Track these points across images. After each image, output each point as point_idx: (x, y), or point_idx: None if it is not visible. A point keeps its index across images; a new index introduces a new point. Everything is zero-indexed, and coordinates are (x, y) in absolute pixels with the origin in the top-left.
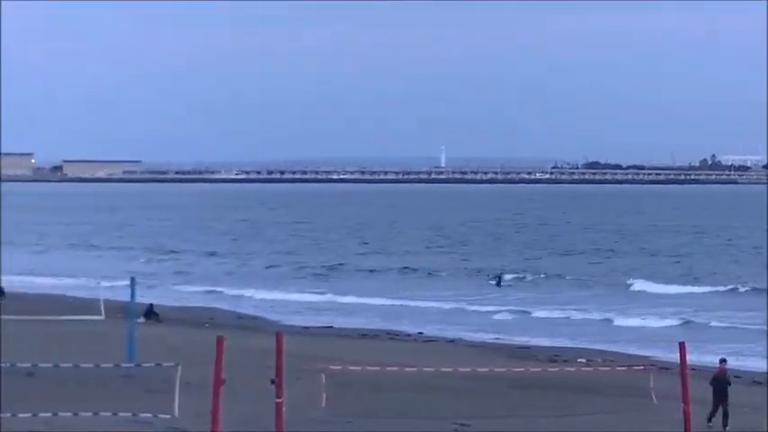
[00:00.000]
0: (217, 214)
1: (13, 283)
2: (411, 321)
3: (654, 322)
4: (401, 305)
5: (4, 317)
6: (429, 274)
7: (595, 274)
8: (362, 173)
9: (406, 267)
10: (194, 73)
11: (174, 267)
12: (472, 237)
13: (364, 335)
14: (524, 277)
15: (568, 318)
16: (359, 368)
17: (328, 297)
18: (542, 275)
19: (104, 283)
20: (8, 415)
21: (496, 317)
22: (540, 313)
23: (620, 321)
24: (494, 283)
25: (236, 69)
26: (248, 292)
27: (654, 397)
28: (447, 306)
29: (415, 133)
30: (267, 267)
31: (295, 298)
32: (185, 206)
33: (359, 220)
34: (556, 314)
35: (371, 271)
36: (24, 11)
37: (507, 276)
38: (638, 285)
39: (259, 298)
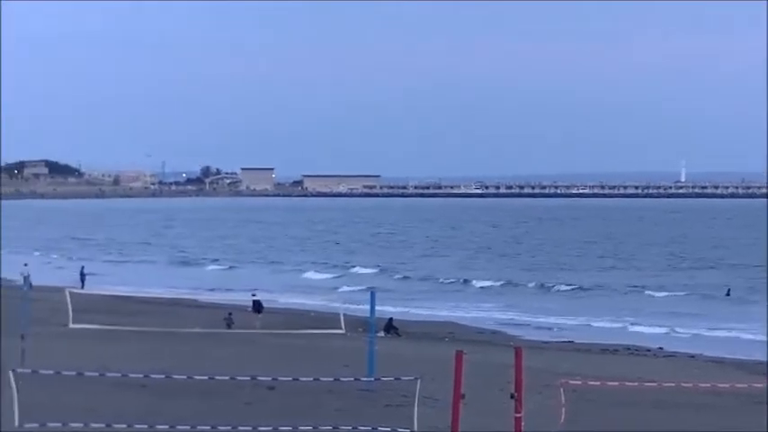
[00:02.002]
0: (457, 228)
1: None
2: (649, 338)
3: None
4: (633, 321)
5: (253, 331)
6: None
7: None
8: (602, 187)
9: (636, 286)
10: (432, 91)
11: (413, 283)
12: (714, 254)
13: (604, 350)
14: None
15: None
16: (598, 383)
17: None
18: None
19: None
20: (248, 428)
21: (733, 334)
22: None
23: None
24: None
25: (466, 87)
26: (485, 307)
27: None
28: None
29: (655, 148)
30: (503, 284)
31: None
32: (429, 220)
33: (598, 235)
34: None
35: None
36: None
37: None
38: None
39: (497, 315)
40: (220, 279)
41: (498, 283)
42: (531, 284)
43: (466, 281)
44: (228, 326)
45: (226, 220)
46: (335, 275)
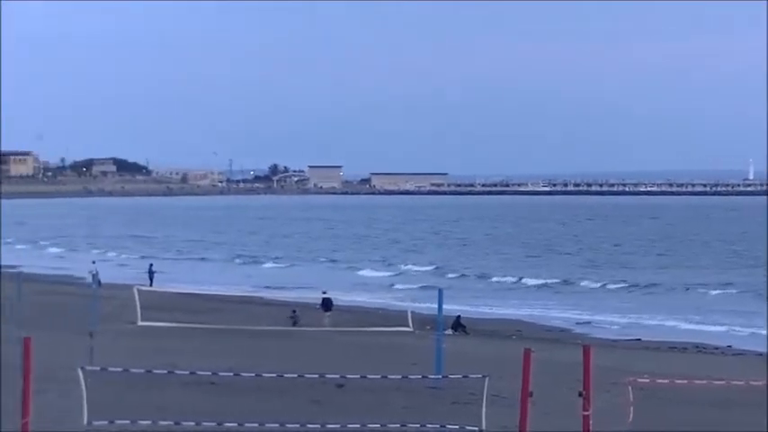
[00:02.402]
0: (520, 226)
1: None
2: (711, 336)
3: None
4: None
5: (321, 329)
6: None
7: None
8: (670, 185)
9: (693, 284)
10: (499, 88)
11: (468, 281)
12: None
13: (672, 348)
14: None
15: None
16: (666, 381)
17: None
18: None
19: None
20: (317, 426)
21: None
22: None
23: None
24: None
25: (534, 84)
26: (550, 305)
27: None
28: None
29: (724, 146)
30: (560, 282)
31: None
32: (494, 218)
33: (660, 233)
34: None
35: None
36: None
37: None
38: None
39: (562, 314)
40: (279, 277)
41: (553, 281)
42: (583, 282)
43: (520, 279)
44: (294, 323)
45: (291, 218)
46: (391, 273)
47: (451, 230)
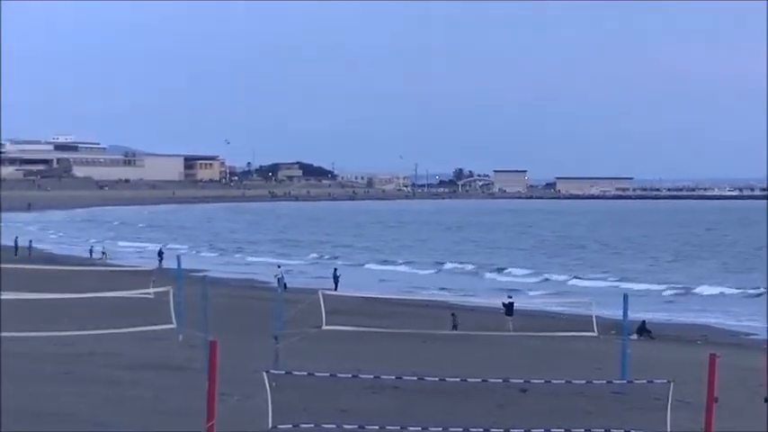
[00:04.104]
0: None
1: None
2: None
3: None
4: None
5: (504, 333)
6: None
7: None
8: None
9: None
10: (685, 89)
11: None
12: None
13: None
14: None
15: None
16: None
17: None
18: None
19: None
20: (501, 430)
21: None
22: None
23: None
24: None
25: (718, 85)
26: (734, 312)
27: None
28: None
29: None
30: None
31: None
32: (680, 224)
33: None
34: None
35: None
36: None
37: None
38: None
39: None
40: (463, 281)
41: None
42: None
43: (721, 292)
44: (454, 327)
45: (476, 223)
46: (565, 278)
47: (631, 236)
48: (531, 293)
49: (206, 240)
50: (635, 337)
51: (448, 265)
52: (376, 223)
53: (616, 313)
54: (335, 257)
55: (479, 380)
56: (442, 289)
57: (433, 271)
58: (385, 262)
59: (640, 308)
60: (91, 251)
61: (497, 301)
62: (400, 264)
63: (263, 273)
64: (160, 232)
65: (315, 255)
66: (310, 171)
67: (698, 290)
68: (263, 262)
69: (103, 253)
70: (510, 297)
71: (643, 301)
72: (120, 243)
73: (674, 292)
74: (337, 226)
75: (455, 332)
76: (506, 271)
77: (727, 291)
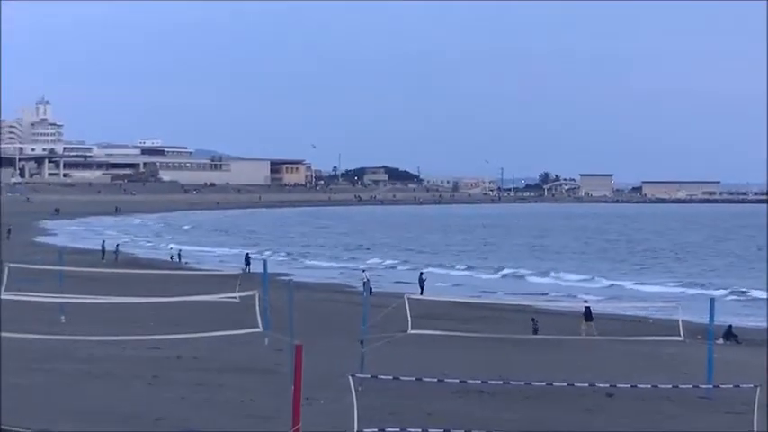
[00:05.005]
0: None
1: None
2: None
3: None
4: None
5: (589, 337)
6: None
7: None
8: None
9: None
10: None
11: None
12: None
13: None
14: None
15: None
16: None
17: None
18: None
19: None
20: None
21: None
22: None
23: None
24: None
25: None
26: None
27: None
28: None
29: None
30: None
31: None
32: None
33: None
34: None
35: None
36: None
37: None
38: None
39: None
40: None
41: None
42: None
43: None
44: (535, 331)
45: (555, 228)
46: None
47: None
48: (612, 298)
49: (273, 244)
50: (721, 341)
51: (509, 270)
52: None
53: (701, 318)
54: (405, 261)
55: (565, 384)
56: (512, 293)
57: (497, 275)
58: (452, 267)
59: (726, 312)
60: (172, 256)
61: (574, 305)
62: (463, 269)
63: (350, 276)
64: (227, 236)
65: (391, 260)
66: (396, 175)
67: None
68: (352, 266)
69: (175, 256)
70: (586, 302)
71: (729, 306)
72: (186, 247)
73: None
74: (417, 230)
75: (536, 336)
76: (562, 275)
77: None
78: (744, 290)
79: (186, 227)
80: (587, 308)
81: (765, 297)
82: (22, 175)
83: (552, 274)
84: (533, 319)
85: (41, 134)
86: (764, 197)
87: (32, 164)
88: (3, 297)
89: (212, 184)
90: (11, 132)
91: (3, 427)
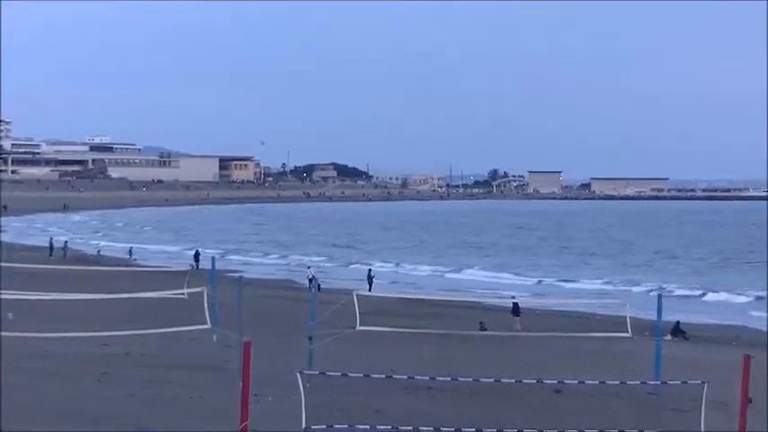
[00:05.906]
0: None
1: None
2: None
3: None
4: None
5: (539, 334)
6: None
7: None
8: None
9: None
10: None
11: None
12: None
13: None
14: None
15: None
16: None
17: None
18: None
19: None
20: (535, 431)
21: None
22: None
23: None
24: None
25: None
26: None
27: None
28: None
29: None
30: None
31: None
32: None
33: None
34: None
35: None
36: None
37: None
38: None
39: None
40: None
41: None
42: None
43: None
44: (483, 328)
45: (503, 225)
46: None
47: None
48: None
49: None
50: (669, 338)
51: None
52: (407, 223)
53: (648, 314)
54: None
55: (513, 380)
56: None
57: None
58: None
59: (674, 308)
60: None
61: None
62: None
63: (297, 273)
64: (161, 233)
65: (349, 255)
66: (345, 172)
67: (730, 292)
68: (296, 261)
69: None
70: (513, 297)
71: (676, 303)
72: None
73: (703, 292)
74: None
75: (485, 333)
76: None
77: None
78: (664, 286)
79: (120, 224)
80: (515, 303)
81: (686, 294)
82: None
83: (467, 270)
84: (481, 322)
85: None
86: (714, 193)
87: None
88: None
89: (160, 181)
90: None
91: None
